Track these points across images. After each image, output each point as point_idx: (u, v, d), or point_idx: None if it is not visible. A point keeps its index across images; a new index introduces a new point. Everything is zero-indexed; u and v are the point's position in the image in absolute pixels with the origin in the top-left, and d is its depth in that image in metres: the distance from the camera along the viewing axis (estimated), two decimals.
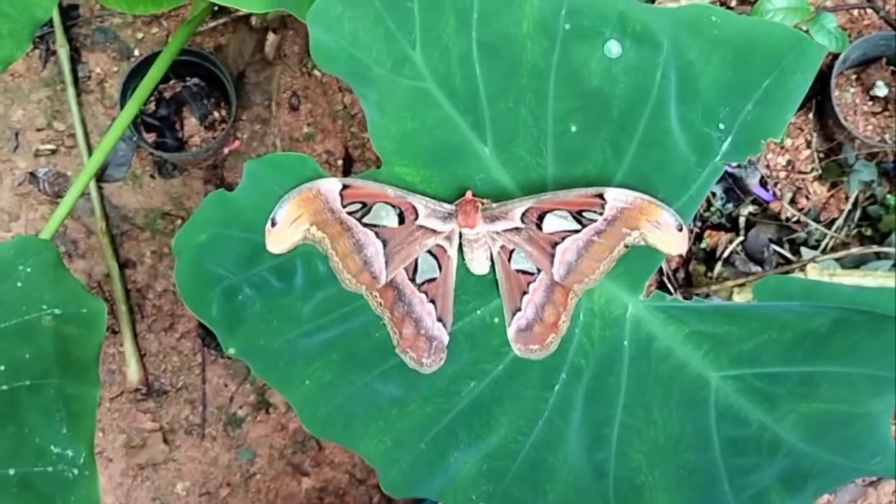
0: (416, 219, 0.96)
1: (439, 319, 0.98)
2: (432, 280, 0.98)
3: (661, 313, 0.99)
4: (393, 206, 0.96)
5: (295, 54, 1.81)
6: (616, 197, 0.92)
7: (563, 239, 0.94)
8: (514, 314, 0.98)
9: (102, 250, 1.71)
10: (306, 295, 0.99)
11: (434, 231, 0.97)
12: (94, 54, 1.76)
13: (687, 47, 0.93)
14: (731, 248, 1.72)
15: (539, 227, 0.95)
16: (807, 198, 1.74)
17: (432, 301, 0.99)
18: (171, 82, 1.74)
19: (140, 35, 1.77)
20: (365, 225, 0.96)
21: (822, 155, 1.75)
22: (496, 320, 1.00)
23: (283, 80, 1.80)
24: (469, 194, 0.96)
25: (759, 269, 1.69)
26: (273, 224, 0.94)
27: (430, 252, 0.98)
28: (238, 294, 0.98)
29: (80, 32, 1.77)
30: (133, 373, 1.70)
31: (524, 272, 0.97)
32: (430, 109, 0.96)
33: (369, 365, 0.99)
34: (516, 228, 0.96)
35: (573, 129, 0.95)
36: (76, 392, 1.01)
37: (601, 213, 0.93)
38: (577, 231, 0.94)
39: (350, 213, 0.95)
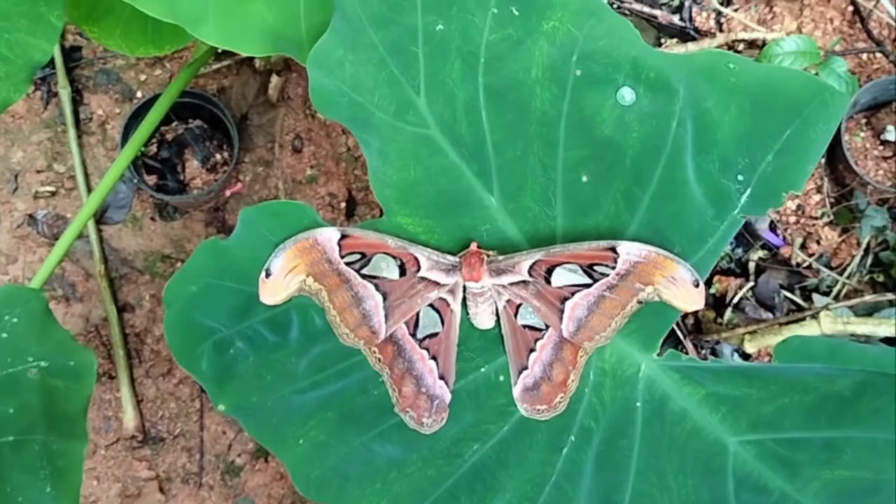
0: (418, 271, 0.90)
1: (441, 377, 0.91)
2: (434, 335, 0.92)
3: (675, 373, 0.91)
4: (394, 258, 0.90)
5: (298, 96, 1.75)
6: (629, 251, 0.86)
7: (573, 294, 0.88)
8: (520, 372, 0.91)
9: (101, 294, 1.64)
10: (302, 349, 0.92)
11: (437, 284, 0.91)
12: (97, 96, 1.71)
13: (703, 95, 0.87)
14: (741, 293, 1.66)
15: (548, 281, 0.88)
16: (818, 243, 1.68)
17: (434, 357, 0.92)
18: (174, 124, 1.69)
19: (143, 77, 1.72)
20: (364, 277, 0.90)
21: (832, 200, 1.69)
22: (501, 378, 0.93)
23: (286, 122, 1.75)
24: (474, 246, 0.90)
25: (769, 315, 1.63)
26: (267, 275, 0.88)
27: (432, 306, 0.91)
28: (230, 348, 0.92)
29: (83, 74, 1.72)
30: (129, 419, 1.63)
31: (531, 328, 0.91)
32: (434, 157, 0.90)
33: (367, 424, 0.93)
34: (523, 282, 0.89)
35: (584, 178, 0.89)
36: (62, 448, 0.95)
37: (613, 268, 0.87)
38: (587, 286, 0.88)
39: (349, 265, 0.89)
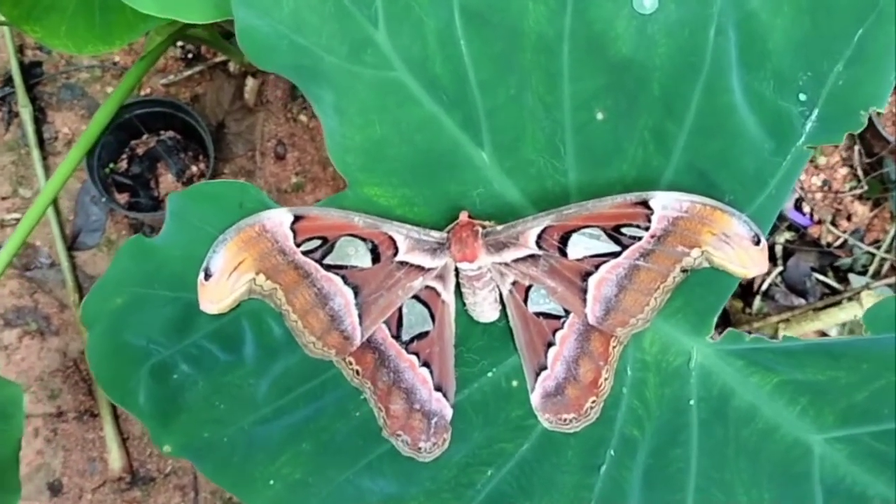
0: (396, 254, 0.67)
1: (437, 388, 0.69)
2: (424, 335, 0.69)
3: (738, 359, 0.69)
4: (363, 240, 0.67)
5: (278, 99, 1.54)
6: (666, 204, 0.63)
7: (598, 267, 0.66)
8: (538, 374, 0.70)
9: (77, 325, 1.41)
10: (260, 368, 0.71)
11: (421, 269, 0.68)
12: (61, 113, 1.51)
13: None
14: (769, 280, 1.46)
15: (563, 253, 0.66)
16: (848, 219, 1.49)
17: (426, 364, 0.69)
18: (144, 137, 1.48)
19: (109, 89, 1.51)
20: (328, 268, 0.67)
21: (861, 172, 1.50)
22: (514, 384, 0.71)
23: (266, 127, 1.54)
24: (464, 216, 0.67)
25: (802, 301, 1.45)
26: (207, 276, 0.65)
27: (417, 298, 0.69)
28: (172, 372, 0.71)
29: (45, 91, 1.51)
30: (115, 459, 1.42)
31: (547, 316, 0.69)
32: (405, 107, 0.67)
33: (351, 455, 0.71)
34: (532, 257, 0.67)
35: (600, 116, 0.66)
36: None
37: (647, 228, 0.64)
38: (615, 254, 0.65)
39: (307, 254, 0.66)
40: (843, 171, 1.46)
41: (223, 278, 0.65)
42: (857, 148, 1.44)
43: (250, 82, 1.53)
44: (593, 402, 0.69)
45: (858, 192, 1.46)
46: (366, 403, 0.70)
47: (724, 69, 0.64)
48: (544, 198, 0.68)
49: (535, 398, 0.69)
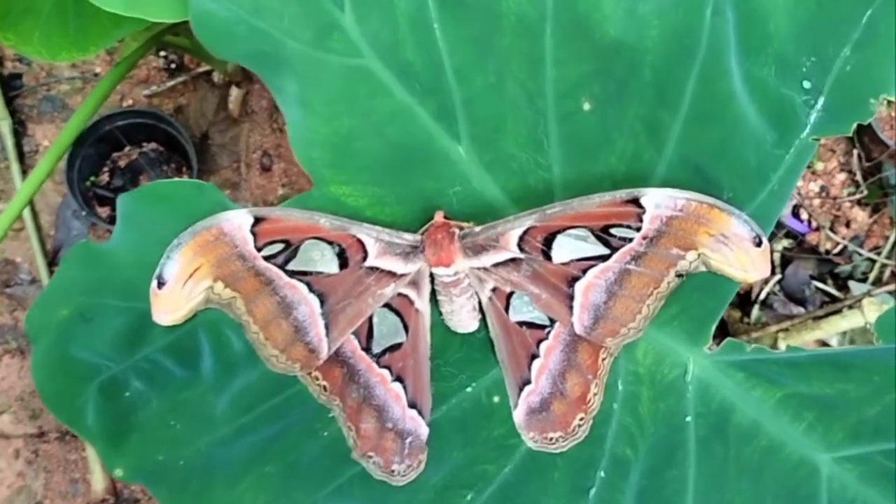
0: (365, 259, 0.61)
1: (412, 405, 0.63)
2: (397, 347, 0.63)
3: (739, 371, 0.62)
4: (330, 243, 0.60)
5: (263, 109, 1.48)
6: (659, 202, 0.57)
7: (585, 271, 0.59)
8: (521, 389, 0.63)
9: None
10: (219, 384, 0.64)
11: (392, 275, 0.61)
12: (41, 126, 1.45)
13: None
14: (767, 288, 1.40)
15: (547, 256, 0.59)
16: (847, 226, 1.44)
17: (399, 379, 0.63)
18: (126, 149, 1.43)
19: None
20: (292, 274, 0.60)
21: (860, 177, 1.45)
22: (496, 399, 0.65)
23: (251, 138, 1.48)
24: (439, 216, 0.61)
25: (801, 309, 1.39)
26: (160, 284, 0.58)
27: (389, 307, 0.63)
28: (124, 389, 0.64)
29: (25, 103, 1.46)
30: (98, 481, 1.35)
31: (531, 325, 0.62)
32: (375, 97, 0.61)
33: (319, 478, 0.64)
34: (513, 260, 0.60)
35: (587, 106, 0.60)
36: None
37: (639, 228, 0.57)
38: (604, 258, 0.59)
39: (269, 259, 0.60)
40: (842, 176, 1.42)
41: (177, 286, 0.58)
42: (855, 152, 1.40)
43: (234, 92, 1.48)
44: (581, 419, 0.62)
45: (857, 197, 1.42)
46: (335, 422, 0.63)
47: (722, 53, 0.58)
48: (527, 196, 0.62)
49: (519, 415, 0.63)
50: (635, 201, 0.57)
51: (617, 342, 0.60)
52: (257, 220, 0.59)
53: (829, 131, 0.58)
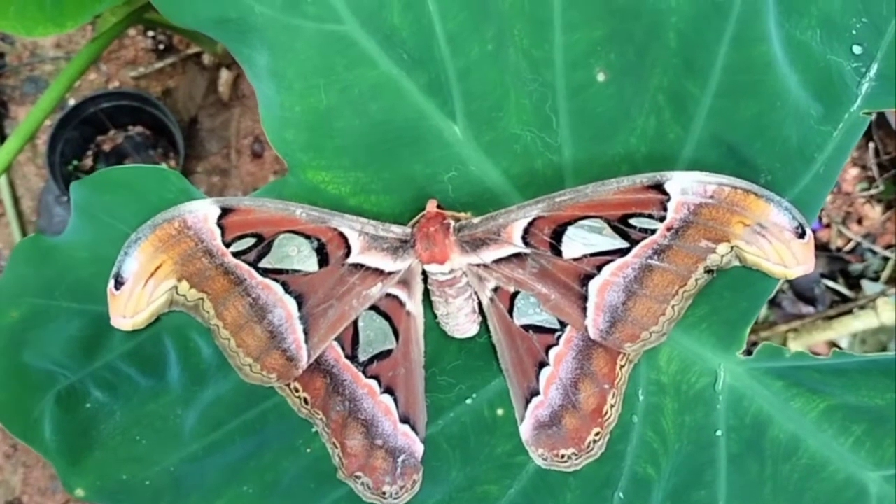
0: (348, 255, 0.53)
1: (404, 419, 0.56)
2: (385, 355, 0.55)
3: (776, 380, 0.54)
4: (307, 238, 0.53)
5: (254, 93, 1.39)
6: (686, 187, 0.49)
7: (600, 268, 0.52)
8: (528, 400, 0.56)
9: None
10: (188, 395, 0.56)
11: (379, 273, 0.54)
12: (24, 107, 1.42)
13: None
14: (776, 287, 1.36)
15: (556, 251, 0.52)
16: (859, 223, 1.41)
17: (389, 390, 0.55)
18: (111, 133, 1.40)
19: (76, 83, 1.36)
20: (265, 272, 0.53)
21: (875, 171, 1.43)
22: (500, 412, 0.57)
23: (242, 123, 1.44)
24: (432, 206, 0.53)
25: (811, 309, 1.36)
26: (118, 284, 0.52)
27: (376, 309, 0.55)
28: (83, 401, 0.57)
29: (7, 84, 1.41)
30: None
31: (538, 329, 0.55)
32: (357, 69, 0.53)
33: (301, 500, 0.57)
34: (517, 256, 0.53)
35: (601, 77, 0.52)
36: None
37: (662, 219, 0.50)
38: (622, 252, 0.51)
39: (239, 255, 0.52)
40: (855, 171, 1.39)
41: (137, 286, 0.51)
42: (871, 146, 1.38)
43: (224, 75, 1.44)
44: (597, 433, 0.55)
45: (871, 193, 1.40)
46: (318, 437, 0.56)
47: (759, 14, 0.50)
48: (533, 181, 0.55)
49: (526, 430, 0.56)
50: (658, 187, 0.50)
51: (637, 348, 0.54)
52: (225, 212, 0.52)
53: (883, 103, 0.51)
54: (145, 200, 0.53)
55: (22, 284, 0.55)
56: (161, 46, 1.36)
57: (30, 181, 1.37)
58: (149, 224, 0.51)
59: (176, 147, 1.33)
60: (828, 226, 1.39)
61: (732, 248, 0.50)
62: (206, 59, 1.41)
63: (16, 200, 1.35)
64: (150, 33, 1.36)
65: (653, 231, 0.50)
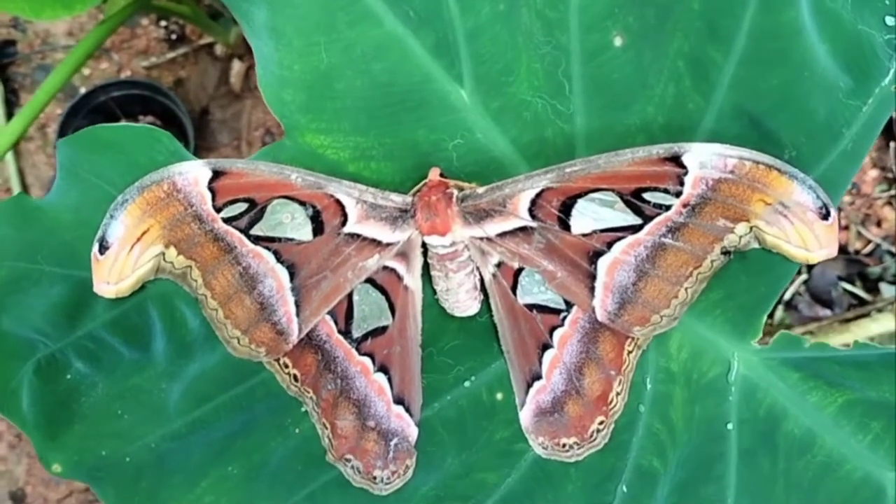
0: (344, 224, 0.50)
1: (398, 400, 0.52)
2: (381, 332, 0.52)
3: (793, 371, 0.51)
4: (302, 204, 0.49)
5: None
6: (705, 160, 0.45)
7: (611, 245, 0.48)
8: (529, 385, 0.52)
9: None
10: (173, 368, 0.53)
11: (377, 244, 0.50)
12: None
13: None
14: (792, 289, 1.34)
15: (565, 226, 0.48)
16: (878, 225, 1.38)
17: (383, 369, 0.52)
18: (122, 122, 1.33)
19: (87, 71, 1.37)
20: (256, 240, 0.49)
21: (894, 175, 1.38)
22: (499, 396, 0.54)
23: (253, 115, 1.41)
24: (435, 174, 0.50)
25: (827, 312, 1.32)
26: (102, 249, 0.48)
27: (372, 282, 0.52)
28: (64, 371, 0.54)
29: (18, 72, 1.38)
30: None
31: (543, 309, 0.51)
32: (360, 26, 0.50)
33: (289, 483, 0.54)
34: (523, 230, 0.49)
35: (618, 41, 0.49)
36: None
37: (678, 194, 0.46)
38: (634, 228, 0.48)
39: (230, 221, 0.49)
40: (874, 172, 1.33)
41: (122, 252, 0.48)
42: (891, 146, 1.32)
43: (237, 66, 1.40)
44: (601, 422, 0.52)
45: (890, 194, 1.34)
46: (308, 417, 0.52)
47: None
48: (542, 151, 0.51)
49: (526, 416, 0.53)
50: (675, 159, 0.46)
51: (646, 332, 0.50)
52: (217, 175, 0.48)
53: None
54: (134, 161, 0.50)
55: (2, 247, 0.52)
56: (173, 36, 1.34)
57: (39, 170, 1.34)
58: (136, 186, 0.48)
59: (186, 138, 1.32)
60: (846, 228, 1.35)
61: (752, 228, 0.47)
62: (219, 49, 1.39)
63: (25, 189, 1.33)
64: (163, 23, 1.34)
65: (668, 207, 0.46)
